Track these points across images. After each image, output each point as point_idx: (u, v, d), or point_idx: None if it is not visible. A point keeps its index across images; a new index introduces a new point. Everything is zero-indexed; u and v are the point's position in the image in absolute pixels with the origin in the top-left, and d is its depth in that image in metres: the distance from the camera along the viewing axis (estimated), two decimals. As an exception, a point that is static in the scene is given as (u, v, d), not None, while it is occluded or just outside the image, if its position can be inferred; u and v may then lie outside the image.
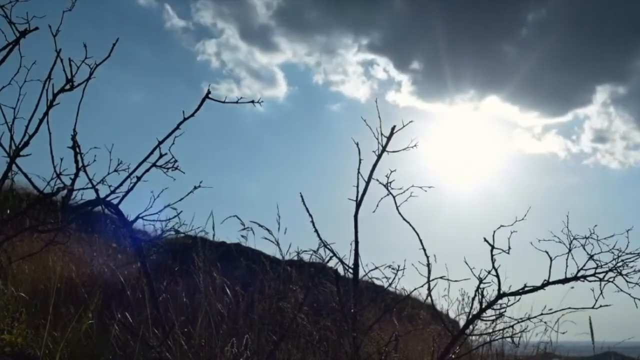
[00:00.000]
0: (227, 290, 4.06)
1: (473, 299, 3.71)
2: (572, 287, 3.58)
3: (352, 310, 3.88)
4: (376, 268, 4.05)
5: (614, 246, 3.54)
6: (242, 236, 3.98)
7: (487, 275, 3.61)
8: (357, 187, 4.14)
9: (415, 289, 4.03)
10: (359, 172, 4.14)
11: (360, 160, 4.13)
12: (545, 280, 3.57)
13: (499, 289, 3.62)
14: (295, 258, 4.19)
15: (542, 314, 3.71)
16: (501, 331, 3.94)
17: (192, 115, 3.42)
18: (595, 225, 3.57)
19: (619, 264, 3.54)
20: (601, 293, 3.53)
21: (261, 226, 3.92)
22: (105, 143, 3.28)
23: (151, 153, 3.41)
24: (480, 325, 3.93)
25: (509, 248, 3.57)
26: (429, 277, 3.85)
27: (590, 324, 3.95)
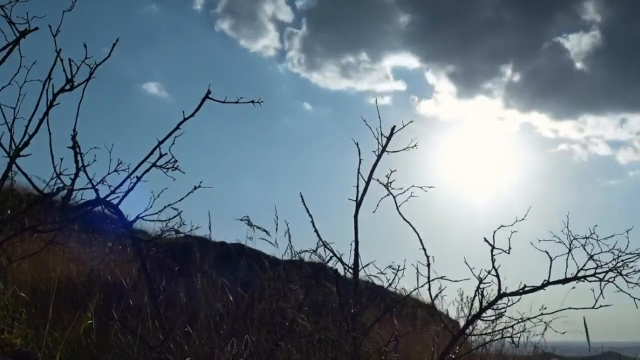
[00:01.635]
0: (227, 290, 4.06)
1: (473, 299, 3.72)
2: (574, 287, 3.57)
3: (352, 310, 3.88)
4: (370, 264, 4.05)
5: (614, 246, 3.54)
6: (249, 238, 3.99)
7: (487, 275, 3.61)
8: (357, 187, 4.13)
9: (415, 289, 4.02)
10: (359, 172, 4.13)
11: (360, 160, 4.12)
12: (545, 280, 3.57)
13: (499, 289, 3.62)
14: (295, 258, 4.20)
15: (541, 314, 3.71)
16: (501, 331, 3.94)
17: (192, 115, 3.42)
18: (596, 225, 3.58)
19: (619, 264, 3.54)
20: (601, 293, 3.53)
21: (260, 228, 3.93)
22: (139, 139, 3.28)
23: (151, 153, 3.42)
24: (480, 325, 3.93)
25: (509, 248, 3.57)
26: (429, 277, 3.85)
27: (585, 324, 3.94)
